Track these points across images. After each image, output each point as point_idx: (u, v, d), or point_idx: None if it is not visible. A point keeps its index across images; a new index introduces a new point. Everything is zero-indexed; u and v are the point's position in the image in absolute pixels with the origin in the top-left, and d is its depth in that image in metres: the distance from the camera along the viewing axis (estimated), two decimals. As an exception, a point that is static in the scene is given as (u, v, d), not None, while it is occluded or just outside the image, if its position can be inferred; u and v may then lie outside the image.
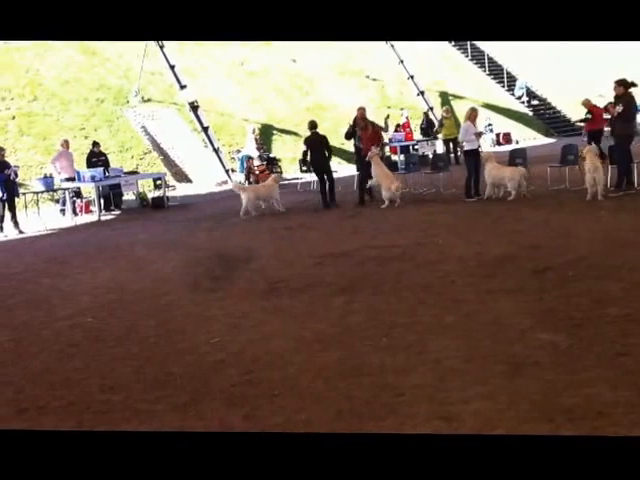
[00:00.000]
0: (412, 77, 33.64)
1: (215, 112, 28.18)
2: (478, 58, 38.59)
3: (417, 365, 6.49)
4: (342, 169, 22.97)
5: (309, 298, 9.19)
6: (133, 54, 27.71)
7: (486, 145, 28.38)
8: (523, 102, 36.73)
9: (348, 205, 17.40)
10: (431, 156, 24.02)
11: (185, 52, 29.09)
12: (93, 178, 19.42)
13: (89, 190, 20.68)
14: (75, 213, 19.88)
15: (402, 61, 33.70)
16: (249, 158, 24.94)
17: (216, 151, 25.92)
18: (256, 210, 17.34)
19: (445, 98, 34.58)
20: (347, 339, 7.43)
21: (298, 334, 7.70)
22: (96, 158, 21.11)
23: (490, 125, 32.13)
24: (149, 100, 27.56)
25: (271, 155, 26.33)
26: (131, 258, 13.13)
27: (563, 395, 5.51)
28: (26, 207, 18.97)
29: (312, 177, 21.58)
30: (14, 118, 24.28)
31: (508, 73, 37.66)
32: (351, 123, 18.63)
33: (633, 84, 15.59)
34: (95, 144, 21.72)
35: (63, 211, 20.26)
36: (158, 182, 22.10)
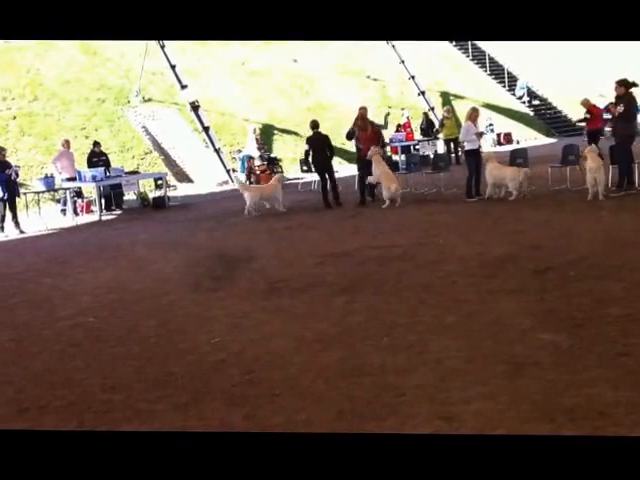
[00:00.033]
0: (413, 77, 33.63)
1: (216, 112, 28.18)
2: (479, 58, 38.57)
3: (418, 365, 6.49)
4: (343, 169, 22.95)
5: (310, 298, 9.19)
6: (134, 54, 27.71)
7: (487, 145, 28.37)
8: (524, 102, 36.71)
9: (349, 205, 17.40)
10: (432, 156, 24.03)
11: (186, 52, 29.08)
12: (94, 178, 19.41)
13: (90, 190, 20.68)
14: (76, 213, 19.88)
15: (403, 61, 33.69)
16: (250, 158, 24.95)
17: (217, 151, 25.92)
18: (258, 210, 17.34)
19: (446, 98, 34.57)
20: (348, 339, 7.43)
21: (299, 334, 7.70)
22: (97, 158, 21.10)
23: (491, 125, 32.12)
24: (150, 100, 27.56)
25: (272, 155, 26.35)
26: (132, 258, 13.13)
27: (564, 395, 5.51)
28: (27, 207, 18.97)
29: (313, 177, 21.60)
30: (15, 118, 24.29)
31: (509, 73, 37.65)
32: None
33: (634, 84, 15.59)
34: (96, 144, 21.71)
35: (64, 211, 20.26)
36: (159, 182, 22.09)
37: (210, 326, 8.30)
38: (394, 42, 32.81)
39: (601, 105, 28.09)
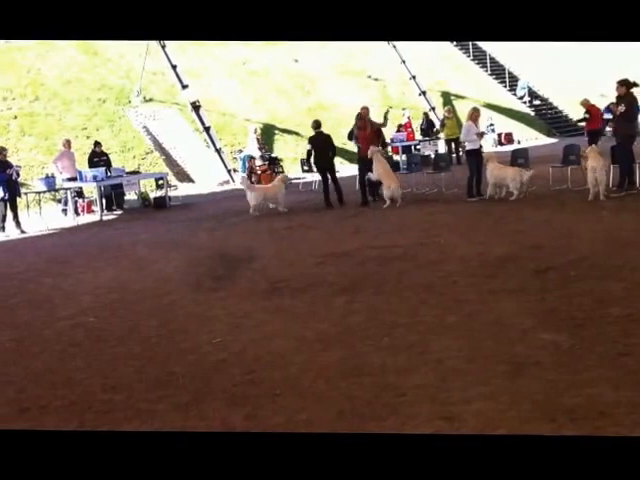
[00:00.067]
0: (414, 77, 33.64)
1: (217, 112, 28.19)
2: (480, 58, 38.56)
3: (419, 365, 6.49)
4: (344, 169, 22.97)
5: (310, 298, 9.19)
6: (135, 54, 27.73)
7: (488, 145, 28.36)
8: (525, 102, 36.71)
9: (350, 205, 17.39)
10: (433, 156, 24.02)
11: (187, 52, 29.09)
12: (95, 178, 19.42)
13: (91, 190, 20.70)
14: (77, 213, 19.88)
15: (404, 61, 33.71)
16: (251, 158, 24.93)
17: (218, 151, 25.95)
18: (260, 210, 17.35)
19: (447, 98, 34.57)
20: (348, 339, 7.43)
21: (299, 334, 7.71)
22: (98, 158, 21.12)
23: (492, 125, 32.11)
24: (151, 100, 27.56)
25: (273, 155, 26.33)
26: (133, 258, 13.14)
27: (565, 395, 5.51)
28: (28, 207, 18.98)
29: (313, 177, 21.60)
30: (16, 118, 24.29)
31: (510, 73, 37.64)
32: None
33: (635, 84, 15.58)
34: (97, 144, 21.71)
35: (65, 211, 20.27)
36: (160, 182, 22.09)
37: (211, 326, 8.30)
38: (395, 42, 32.81)
39: (602, 105, 28.14)
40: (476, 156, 16.56)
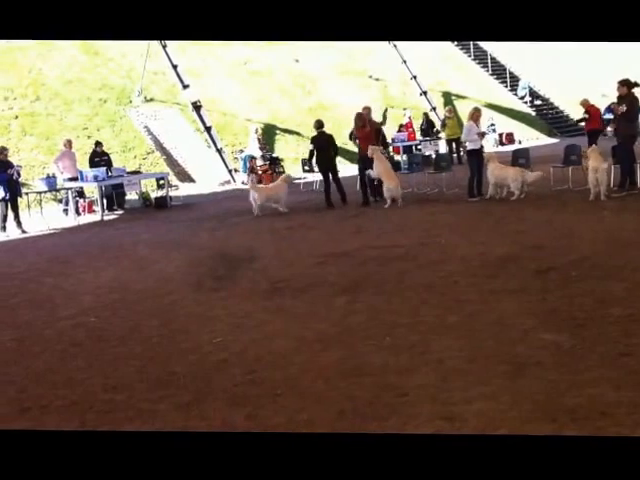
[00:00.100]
0: (415, 77, 33.65)
1: (218, 112, 28.19)
2: (481, 58, 38.57)
3: (420, 365, 6.49)
4: (345, 169, 22.97)
5: (311, 298, 9.19)
6: (136, 54, 27.73)
7: (489, 145, 28.35)
8: (526, 102, 36.71)
9: (351, 205, 17.39)
10: (434, 156, 24.01)
11: (188, 52, 29.09)
12: (96, 178, 19.43)
13: (92, 190, 20.71)
14: (78, 213, 19.89)
15: (405, 61, 33.72)
16: (252, 158, 24.95)
17: (219, 151, 25.96)
18: (262, 210, 17.35)
19: (448, 98, 34.57)
20: (349, 339, 7.43)
21: (300, 334, 7.71)
22: (99, 158, 21.14)
23: (493, 125, 32.11)
24: (152, 100, 27.56)
25: (274, 155, 26.33)
26: (134, 258, 13.14)
27: (566, 395, 5.51)
28: (29, 207, 18.99)
29: (314, 177, 21.60)
30: (17, 118, 24.30)
31: (511, 73, 37.65)
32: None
33: (636, 84, 15.59)
34: (97, 144, 21.72)
35: (66, 211, 20.27)
36: (161, 182, 22.09)
37: (212, 326, 8.30)
38: (396, 42, 32.82)
39: (603, 105, 28.18)
40: (477, 156, 16.56)
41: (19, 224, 17.64)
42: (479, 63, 38.49)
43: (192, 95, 26.57)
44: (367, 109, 18.70)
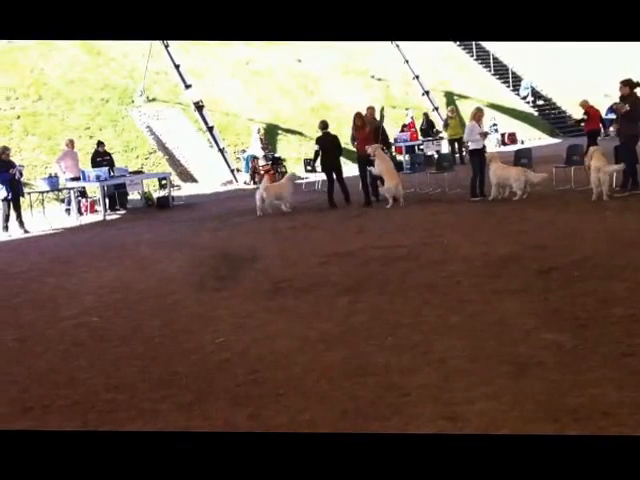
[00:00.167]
0: (417, 77, 33.67)
1: (220, 112, 28.20)
2: (483, 58, 38.57)
3: (422, 365, 6.48)
4: (346, 169, 22.95)
5: (314, 298, 9.18)
6: (138, 54, 27.75)
7: (491, 145, 28.36)
8: (528, 102, 36.70)
9: (353, 205, 17.39)
10: (436, 156, 24.00)
11: (190, 52, 29.11)
12: (98, 178, 19.44)
13: (94, 190, 20.72)
14: (80, 213, 19.90)
15: (407, 61, 33.74)
16: (254, 158, 24.98)
17: (221, 151, 25.98)
18: (264, 210, 17.36)
19: (450, 98, 34.57)
20: (352, 339, 7.43)
21: (303, 334, 7.70)
22: (101, 158, 21.15)
23: (495, 125, 32.11)
24: (154, 100, 27.58)
25: (276, 155, 26.33)
26: (136, 258, 13.14)
27: (568, 395, 5.50)
28: (31, 207, 19.02)
29: (316, 177, 21.60)
30: (19, 118, 24.32)
31: (513, 73, 37.65)
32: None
33: (638, 84, 15.57)
34: (99, 144, 21.74)
35: (68, 211, 20.28)
36: (163, 182, 22.10)
37: (214, 326, 8.30)
38: (398, 42, 32.82)
39: (606, 105, 28.17)
40: (479, 156, 16.56)
41: (21, 224, 17.66)
42: (481, 63, 38.49)
43: (194, 95, 26.58)
44: (371, 109, 18.73)
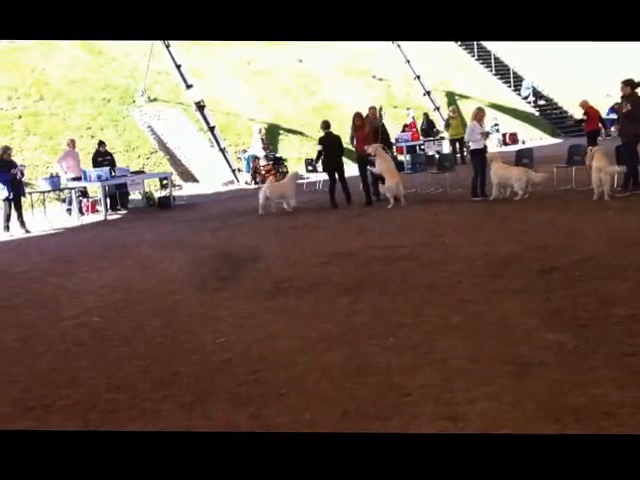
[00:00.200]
0: (418, 77, 33.66)
1: (221, 112, 28.21)
2: (484, 58, 38.56)
3: (423, 365, 6.48)
4: (347, 169, 22.95)
5: (315, 298, 9.18)
6: (139, 54, 27.75)
7: (492, 145, 28.33)
8: (529, 102, 36.69)
9: (354, 205, 17.39)
10: (437, 156, 24.00)
11: (191, 52, 29.12)
12: (99, 178, 19.44)
13: (95, 190, 20.72)
14: (81, 212, 19.91)
15: (408, 61, 33.73)
16: (255, 158, 24.98)
17: (222, 151, 25.98)
18: (265, 209, 17.38)
19: (451, 98, 34.57)
20: (353, 339, 7.43)
21: (304, 334, 7.70)
22: (102, 157, 21.15)
23: (496, 125, 32.10)
24: (155, 100, 27.59)
25: (277, 155, 26.33)
26: (137, 257, 13.14)
27: (569, 395, 5.50)
28: (32, 206, 19.02)
29: (317, 177, 21.61)
30: (20, 117, 24.33)
31: (514, 73, 37.64)
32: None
33: (640, 84, 15.58)
34: (101, 143, 21.74)
35: (69, 210, 20.30)
36: (164, 182, 22.12)
37: (215, 326, 8.30)
38: (399, 42, 32.82)
39: (607, 105, 28.17)
40: (480, 156, 16.56)
41: (22, 224, 17.67)
42: (483, 63, 38.49)
43: (195, 95, 26.59)
44: (373, 109, 18.74)
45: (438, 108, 32.74)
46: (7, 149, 18.08)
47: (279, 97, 30.77)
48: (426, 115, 29.71)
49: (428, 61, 35.05)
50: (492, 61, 38.20)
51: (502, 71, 38.08)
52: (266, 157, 25.21)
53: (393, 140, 23.86)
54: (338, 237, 13.53)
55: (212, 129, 26.25)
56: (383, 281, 9.77)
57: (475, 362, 6.43)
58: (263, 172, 24.30)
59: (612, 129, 24.96)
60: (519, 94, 37.07)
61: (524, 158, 17.80)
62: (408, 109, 30.31)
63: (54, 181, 19.72)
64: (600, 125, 23.03)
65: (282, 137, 28.87)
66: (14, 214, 17.67)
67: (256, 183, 24.32)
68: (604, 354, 6.31)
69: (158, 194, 22.02)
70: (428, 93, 33.46)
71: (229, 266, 11.54)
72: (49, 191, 20.02)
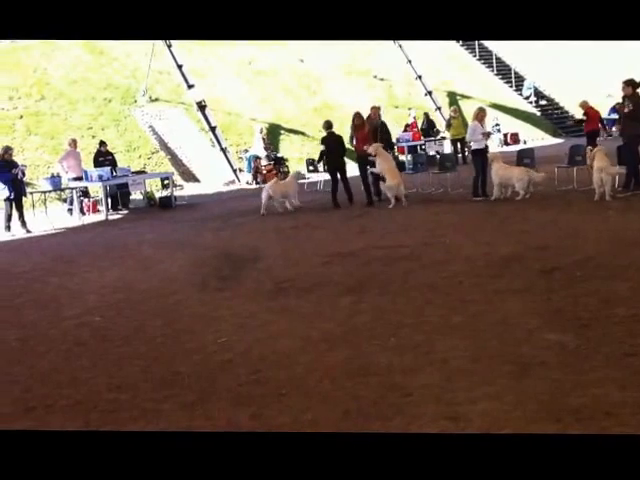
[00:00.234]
0: (420, 77, 33.64)
1: (223, 112, 28.20)
2: (486, 58, 38.54)
3: (424, 365, 6.48)
4: (351, 169, 22.96)
5: (316, 298, 9.18)
6: (141, 53, 27.75)
7: (494, 145, 28.31)
8: (531, 102, 36.66)
9: (355, 205, 17.39)
10: (438, 156, 23.99)
11: (193, 51, 29.11)
12: (101, 177, 19.44)
13: (96, 189, 20.71)
14: (82, 212, 19.92)
15: (410, 61, 33.71)
16: (257, 158, 24.99)
17: (224, 151, 25.97)
18: (268, 208, 17.39)
19: (453, 98, 34.55)
20: (354, 339, 7.43)
21: (305, 334, 7.70)
22: (103, 157, 21.15)
23: (498, 125, 32.07)
24: (157, 100, 27.59)
25: (278, 155, 26.34)
26: (138, 257, 13.14)
27: (571, 395, 5.50)
28: (33, 206, 19.01)
29: (319, 177, 21.61)
30: (22, 117, 24.33)
31: (516, 73, 37.60)
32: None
33: (641, 84, 15.57)
34: (102, 143, 21.74)
35: (70, 210, 20.30)
36: (166, 182, 22.12)
37: (216, 326, 8.30)
38: (401, 42, 32.81)
39: (608, 105, 28.16)
40: (482, 156, 16.55)
41: (23, 224, 17.67)
42: (484, 63, 38.46)
43: (197, 95, 26.58)
44: (375, 108, 18.73)
45: (439, 108, 32.73)
46: (8, 149, 18.09)
47: (280, 97, 30.76)
48: (426, 115, 29.71)
49: (429, 61, 35.04)
50: (494, 61, 38.19)
51: (503, 71, 38.06)
52: (267, 157, 25.22)
53: (394, 140, 23.82)
54: (339, 237, 13.53)
55: (213, 129, 26.24)
56: (384, 281, 9.76)
57: (476, 362, 6.43)
58: (264, 172, 24.31)
59: (613, 129, 24.95)
60: (520, 94, 37.04)
61: (525, 158, 17.80)
62: (409, 109, 30.30)
63: (55, 181, 19.73)
64: (600, 125, 23.05)
65: (283, 137, 28.87)
66: (15, 214, 17.67)
67: (257, 183, 24.33)
68: (605, 354, 6.31)
69: (159, 194, 22.01)
70: (429, 93, 33.44)
71: (230, 266, 11.54)
72: (50, 191, 20.02)
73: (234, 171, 25.74)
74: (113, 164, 21.18)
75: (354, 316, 8.22)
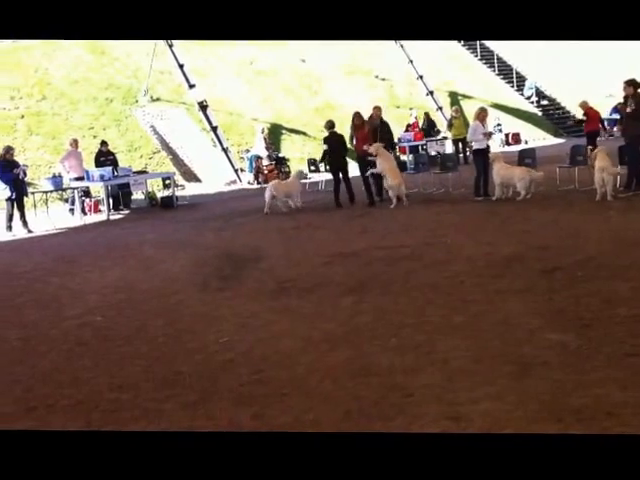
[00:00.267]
0: (421, 77, 33.62)
1: (224, 111, 28.20)
2: (487, 58, 38.51)
3: (426, 365, 6.48)
4: (353, 169, 22.95)
5: (317, 298, 9.18)
6: (142, 53, 27.75)
7: (495, 145, 28.28)
8: (532, 102, 36.64)
9: (357, 205, 17.39)
10: (439, 156, 23.98)
11: (194, 51, 29.11)
12: (102, 177, 19.45)
13: (98, 189, 20.71)
14: (84, 212, 19.91)
15: (411, 61, 33.69)
16: (258, 158, 24.99)
17: (225, 151, 25.97)
18: (271, 207, 17.39)
19: (454, 98, 34.52)
20: (355, 339, 7.43)
21: (307, 334, 7.70)
22: (104, 157, 21.14)
23: (499, 125, 32.05)
24: (158, 99, 27.59)
25: (280, 155, 26.34)
26: (140, 257, 13.15)
27: (572, 395, 5.50)
28: (35, 206, 19.01)
29: (320, 177, 21.61)
30: (23, 117, 24.34)
31: (517, 73, 37.57)
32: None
33: (643, 84, 15.56)
34: (103, 143, 21.73)
35: (72, 210, 20.30)
36: (167, 182, 22.13)
37: (218, 326, 8.30)
38: (402, 42, 32.80)
39: (610, 105, 28.14)
40: (483, 156, 16.54)
41: (25, 223, 17.68)
42: (485, 63, 38.44)
43: (198, 95, 26.58)
44: (377, 108, 18.72)
45: (441, 108, 32.70)
46: (10, 149, 18.10)
47: (282, 97, 30.76)
48: (427, 115, 29.69)
49: (431, 61, 35.02)
50: (495, 61, 38.16)
51: (505, 71, 38.04)
52: (269, 157, 25.22)
53: (396, 140, 23.80)
54: (341, 237, 13.53)
55: (215, 129, 26.24)
56: (386, 281, 9.76)
57: (477, 362, 6.43)
58: (266, 172, 24.32)
59: (615, 129, 24.93)
60: (522, 94, 37.02)
61: (527, 158, 17.80)
62: (411, 109, 30.29)
63: (57, 181, 19.75)
64: (600, 126, 23.05)
65: (284, 137, 28.86)
66: (17, 214, 17.68)
67: (259, 183, 24.34)
68: (607, 354, 6.31)
69: (161, 194, 22.02)
70: (431, 93, 33.42)
71: (232, 266, 11.54)
72: (52, 191, 20.03)
73: (235, 171, 25.74)
74: (114, 164, 21.18)
75: (355, 316, 8.22)
